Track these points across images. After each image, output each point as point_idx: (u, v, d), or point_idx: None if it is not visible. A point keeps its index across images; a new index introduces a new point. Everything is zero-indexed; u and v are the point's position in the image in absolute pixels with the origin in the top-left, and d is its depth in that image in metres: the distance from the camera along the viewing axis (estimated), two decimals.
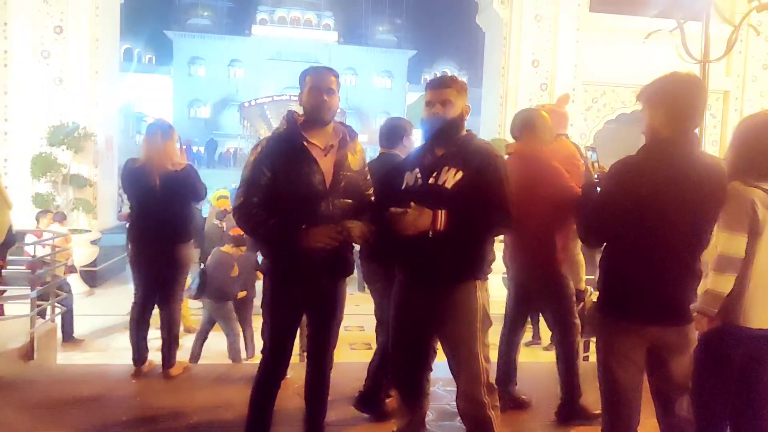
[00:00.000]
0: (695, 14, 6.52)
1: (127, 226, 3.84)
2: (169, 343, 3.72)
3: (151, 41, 43.04)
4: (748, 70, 10.66)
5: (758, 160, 2.15)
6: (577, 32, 10.20)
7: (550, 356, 6.40)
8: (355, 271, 3.09)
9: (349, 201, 2.40)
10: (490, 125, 10.57)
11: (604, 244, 2.18)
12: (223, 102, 41.68)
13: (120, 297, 7.43)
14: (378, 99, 43.87)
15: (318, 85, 2.36)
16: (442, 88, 2.31)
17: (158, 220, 3.63)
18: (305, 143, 2.35)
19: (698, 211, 2.02)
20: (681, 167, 2.01)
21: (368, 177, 2.57)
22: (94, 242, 8.78)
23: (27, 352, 4.48)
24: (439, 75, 2.63)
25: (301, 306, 2.48)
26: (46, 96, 8.81)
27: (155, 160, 3.60)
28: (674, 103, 2.04)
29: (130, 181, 3.75)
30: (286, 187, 2.32)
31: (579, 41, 10.23)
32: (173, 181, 3.62)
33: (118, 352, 6.05)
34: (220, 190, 8.02)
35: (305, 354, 4.40)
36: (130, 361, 3.77)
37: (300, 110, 2.47)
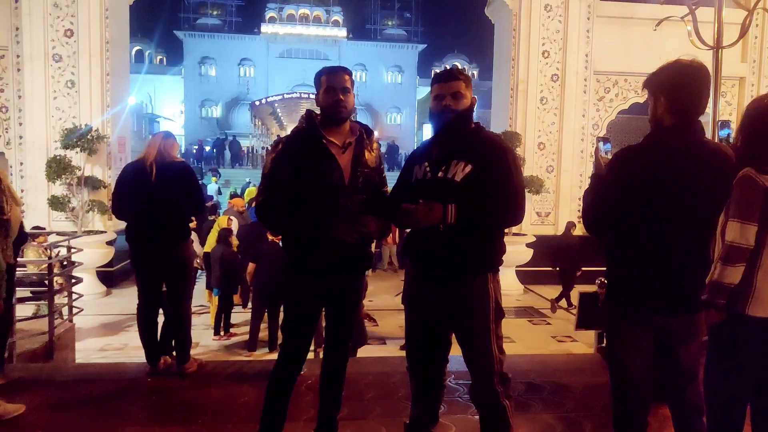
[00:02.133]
0: None
1: (126, 227, 3.80)
2: (182, 341, 3.75)
3: (162, 42, 43.45)
4: (765, 56, 10.45)
5: None
6: (588, 21, 10.09)
7: (565, 347, 6.41)
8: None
9: (367, 197, 2.43)
10: (501, 117, 10.50)
11: (608, 233, 2.16)
12: (234, 101, 41.92)
13: (136, 297, 7.53)
14: (388, 94, 43.81)
15: (333, 85, 2.40)
16: (451, 80, 2.30)
17: (155, 217, 3.60)
18: (324, 141, 2.39)
19: (704, 198, 1.99)
20: (684, 155, 1.98)
21: (384, 173, 2.60)
22: (109, 243, 8.90)
23: (46, 352, 4.56)
24: (447, 68, 2.61)
25: (320, 301, 2.51)
26: (58, 99, 8.92)
27: (152, 153, 3.61)
28: (675, 91, 2.02)
29: (126, 177, 3.73)
30: (306, 184, 2.35)
31: (589, 30, 10.11)
32: (169, 173, 3.60)
33: (135, 351, 6.12)
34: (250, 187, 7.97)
35: (318, 350, 4.44)
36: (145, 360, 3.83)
37: (317, 109, 2.51)
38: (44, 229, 8.11)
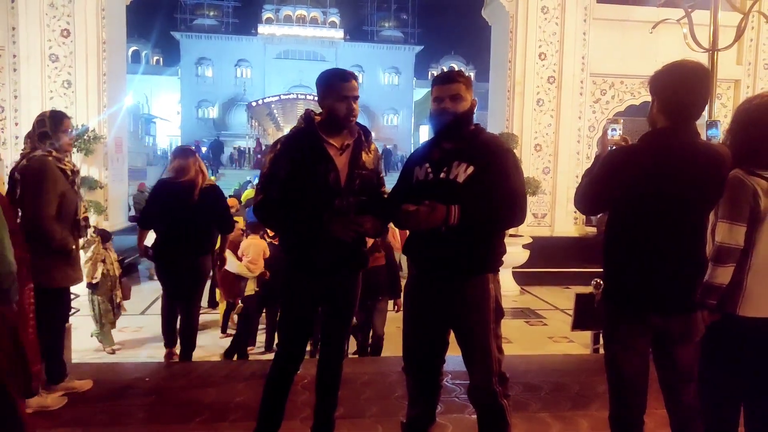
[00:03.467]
0: (703, 2, 6.45)
1: (155, 240, 4.09)
2: (189, 342, 4.05)
3: (159, 43, 43.44)
4: (760, 59, 10.50)
5: (760, 147, 2.09)
6: (584, 23, 10.12)
7: (561, 348, 6.42)
8: None
9: (363, 198, 2.44)
10: (498, 119, 10.52)
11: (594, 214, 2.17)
12: (231, 102, 41.88)
13: (132, 297, 7.49)
14: (385, 96, 43.85)
15: (347, 94, 2.41)
16: (450, 83, 2.31)
17: (191, 236, 3.89)
18: (322, 142, 2.40)
19: (696, 200, 2.01)
20: (678, 156, 2.00)
21: (382, 174, 2.62)
22: None
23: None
24: (446, 70, 2.63)
25: (317, 300, 2.52)
26: (55, 99, 8.88)
27: (196, 176, 3.92)
28: (668, 93, 2.04)
29: (165, 195, 3.99)
30: (304, 184, 2.37)
31: (586, 33, 10.14)
32: (209, 196, 3.95)
33: (131, 352, 6.12)
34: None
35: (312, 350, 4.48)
36: (144, 359, 3.91)
37: (316, 109, 2.52)
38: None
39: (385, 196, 2.58)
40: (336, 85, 2.42)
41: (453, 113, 2.28)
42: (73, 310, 5.62)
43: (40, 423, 2.98)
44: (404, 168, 2.52)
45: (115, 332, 6.71)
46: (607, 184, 2.09)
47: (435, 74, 2.59)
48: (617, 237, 2.13)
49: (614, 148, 2.20)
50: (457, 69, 2.59)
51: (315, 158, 2.38)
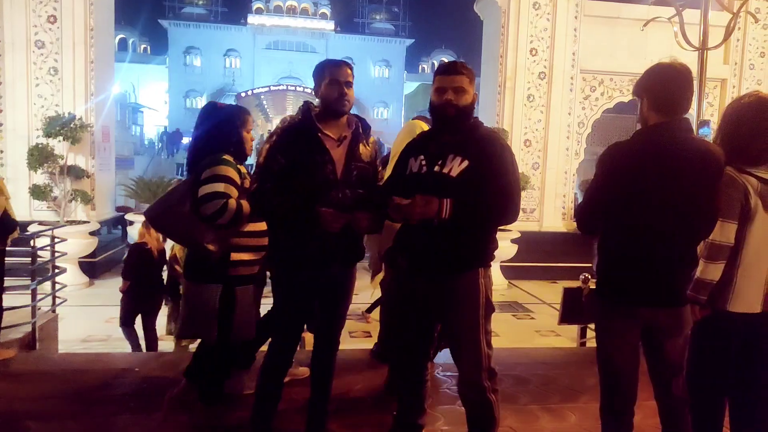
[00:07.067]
0: (694, 1, 6.49)
1: None
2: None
3: (146, 31, 42.92)
4: (746, 58, 10.63)
5: (750, 145, 2.13)
6: (575, 20, 10.17)
7: (549, 341, 6.50)
8: None
9: (360, 191, 2.42)
10: (489, 114, 10.54)
11: (597, 232, 2.19)
12: (220, 92, 41.46)
13: (117, 288, 7.43)
14: (375, 89, 43.71)
15: (337, 78, 2.40)
16: (455, 74, 2.27)
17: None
18: (319, 134, 2.39)
19: (689, 194, 2.04)
20: (670, 152, 2.04)
21: (379, 168, 2.60)
22: (92, 233, 8.77)
23: (29, 342, 4.51)
24: (446, 61, 2.60)
25: (313, 292, 2.50)
26: (41, 87, 8.75)
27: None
28: (656, 89, 2.10)
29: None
30: (299, 175, 2.35)
31: (577, 29, 10.19)
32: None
33: (119, 342, 6.07)
34: None
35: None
36: (130, 350, 3.84)
37: (315, 101, 2.51)
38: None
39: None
40: (327, 71, 2.42)
41: (455, 106, 2.25)
42: (59, 301, 5.59)
43: (27, 413, 2.96)
44: (399, 158, 2.48)
45: (103, 324, 6.69)
46: (606, 185, 2.11)
47: (425, 68, 2.56)
48: (611, 231, 2.16)
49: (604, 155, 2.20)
50: (461, 61, 2.52)
51: (311, 149, 2.36)
